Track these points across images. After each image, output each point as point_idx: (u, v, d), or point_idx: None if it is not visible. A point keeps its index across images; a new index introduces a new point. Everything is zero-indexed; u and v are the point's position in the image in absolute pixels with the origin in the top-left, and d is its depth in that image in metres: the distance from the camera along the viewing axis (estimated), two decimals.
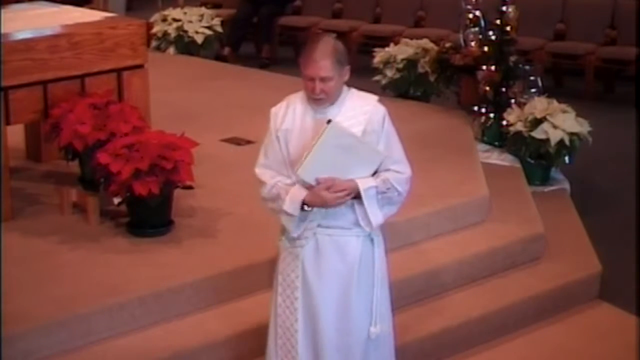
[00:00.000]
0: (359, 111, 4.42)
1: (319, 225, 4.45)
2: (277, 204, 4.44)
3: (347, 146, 4.33)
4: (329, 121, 4.30)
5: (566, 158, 7.43)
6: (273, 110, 4.52)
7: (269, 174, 4.48)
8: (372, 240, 4.51)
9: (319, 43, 4.37)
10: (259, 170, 4.51)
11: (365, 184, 4.38)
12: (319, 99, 4.36)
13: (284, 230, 4.55)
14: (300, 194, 4.38)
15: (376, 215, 4.43)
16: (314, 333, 4.53)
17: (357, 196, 4.39)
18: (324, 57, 4.32)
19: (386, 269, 4.63)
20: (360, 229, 4.45)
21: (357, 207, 4.42)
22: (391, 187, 4.42)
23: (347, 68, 4.40)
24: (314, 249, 4.48)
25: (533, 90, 7.85)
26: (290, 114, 4.47)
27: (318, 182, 4.35)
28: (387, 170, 4.43)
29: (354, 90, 4.49)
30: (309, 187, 4.37)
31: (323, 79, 4.32)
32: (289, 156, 4.44)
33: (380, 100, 4.51)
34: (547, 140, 7.28)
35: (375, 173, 4.44)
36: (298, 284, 4.51)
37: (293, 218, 4.41)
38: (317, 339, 4.52)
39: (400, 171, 4.46)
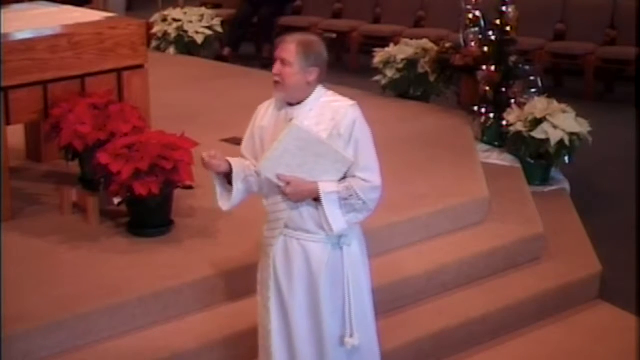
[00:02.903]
0: (328, 115, 4.37)
1: (286, 226, 4.43)
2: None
3: (311, 148, 4.30)
4: (292, 120, 4.34)
5: (566, 158, 7.43)
6: (259, 106, 4.58)
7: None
8: (341, 248, 4.43)
9: (299, 33, 4.45)
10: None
11: (326, 188, 4.33)
12: (275, 81, 4.38)
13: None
14: (241, 161, 4.51)
15: (337, 220, 4.35)
16: (289, 335, 4.50)
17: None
18: (292, 41, 4.36)
19: (366, 278, 4.55)
20: (327, 235, 4.40)
21: (320, 210, 4.37)
22: (354, 195, 4.33)
23: (315, 70, 4.36)
24: (283, 249, 4.46)
25: (533, 90, 7.85)
26: (270, 112, 4.51)
27: (279, 178, 4.34)
28: (353, 177, 4.36)
29: (330, 93, 4.46)
30: (275, 186, 4.39)
31: (283, 61, 4.34)
32: (263, 154, 4.46)
33: (355, 105, 4.43)
34: (547, 140, 7.28)
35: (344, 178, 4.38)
36: (270, 284, 4.50)
37: (216, 181, 4.53)
38: (292, 341, 4.50)
39: (366, 179, 4.35)
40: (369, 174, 4.37)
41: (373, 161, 4.41)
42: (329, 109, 4.38)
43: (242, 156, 4.60)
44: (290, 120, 4.34)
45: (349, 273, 4.44)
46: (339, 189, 4.34)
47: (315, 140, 4.31)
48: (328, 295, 4.43)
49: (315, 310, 4.45)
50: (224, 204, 4.57)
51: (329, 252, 4.42)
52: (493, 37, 7.94)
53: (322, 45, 4.43)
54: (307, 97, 4.40)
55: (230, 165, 4.51)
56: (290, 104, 4.43)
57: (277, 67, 4.37)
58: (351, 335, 4.46)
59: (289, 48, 4.34)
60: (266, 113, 4.52)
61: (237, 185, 4.51)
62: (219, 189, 4.57)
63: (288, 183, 4.33)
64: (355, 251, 4.48)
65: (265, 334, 4.56)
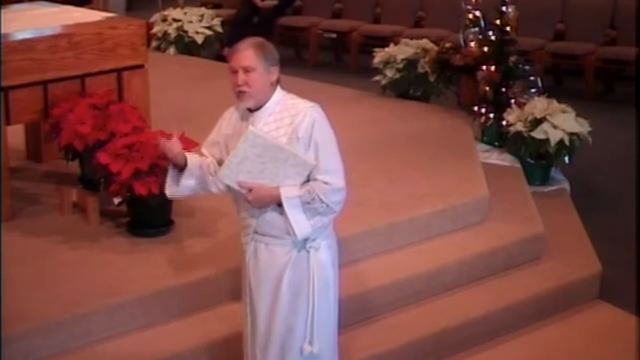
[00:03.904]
0: (287, 119, 4.32)
1: (255, 232, 4.42)
2: None
3: (270, 153, 4.25)
4: (248, 126, 4.28)
5: (566, 158, 7.43)
6: (225, 112, 4.52)
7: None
8: (307, 251, 4.39)
9: (246, 39, 4.37)
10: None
11: (287, 193, 4.28)
12: (242, 91, 4.30)
13: None
14: (200, 159, 4.50)
15: (301, 225, 4.30)
16: (256, 340, 4.51)
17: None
18: (247, 47, 4.30)
19: (334, 286, 4.49)
20: (293, 239, 4.36)
21: (285, 215, 4.33)
22: (316, 198, 4.28)
23: (275, 69, 4.33)
24: (253, 255, 4.46)
25: (533, 90, 7.85)
26: (234, 119, 4.46)
27: (240, 185, 4.30)
28: (315, 180, 4.30)
29: (290, 96, 4.40)
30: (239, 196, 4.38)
31: (245, 69, 4.27)
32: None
33: (314, 107, 4.35)
34: (547, 140, 7.28)
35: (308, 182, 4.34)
36: (247, 288, 4.53)
37: (170, 170, 4.52)
38: (258, 346, 4.50)
39: (328, 182, 4.28)
40: (331, 177, 4.30)
41: (335, 163, 4.34)
42: (288, 112, 4.33)
43: (201, 154, 4.57)
44: (247, 126, 4.28)
45: (314, 277, 4.39)
46: (301, 193, 4.28)
47: (272, 145, 4.26)
48: (289, 298, 4.40)
49: (270, 316, 4.44)
50: (170, 192, 4.58)
51: (293, 255, 4.38)
52: (493, 37, 7.94)
53: (272, 45, 4.42)
54: (267, 101, 4.35)
55: (185, 160, 4.49)
56: (251, 110, 4.38)
57: (240, 77, 4.28)
58: (310, 342, 4.41)
59: (247, 54, 4.28)
60: (230, 120, 4.48)
61: (187, 181, 4.50)
62: (169, 179, 4.55)
63: (250, 190, 4.30)
64: (323, 256, 4.42)
65: (244, 338, 4.59)
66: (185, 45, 10.34)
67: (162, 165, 5.62)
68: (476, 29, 8.14)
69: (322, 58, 11.85)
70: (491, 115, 7.84)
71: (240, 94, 4.32)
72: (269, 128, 4.31)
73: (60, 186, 6.28)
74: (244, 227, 4.50)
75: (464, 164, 7.08)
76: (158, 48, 10.40)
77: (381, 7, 11.79)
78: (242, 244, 4.53)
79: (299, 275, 4.40)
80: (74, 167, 6.33)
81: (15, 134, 6.53)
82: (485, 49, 7.97)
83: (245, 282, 4.57)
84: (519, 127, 7.41)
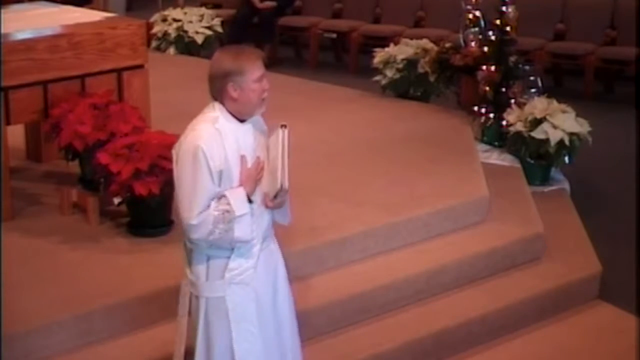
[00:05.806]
0: (258, 122, 4.43)
1: (263, 240, 4.32)
2: (227, 220, 4.17)
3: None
4: (283, 125, 4.25)
5: (566, 158, 7.43)
6: (204, 148, 4.18)
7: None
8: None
9: (247, 48, 4.46)
10: (197, 221, 4.18)
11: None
12: (264, 98, 4.33)
13: (222, 269, 4.31)
14: (239, 190, 4.20)
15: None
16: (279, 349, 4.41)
17: None
18: (259, 54, 4.39)
19: None
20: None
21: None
22: None
23: None
24: (264, 266, 4.33)
25: (533, 90, 7.86)
26: (230, 141, 4.26)
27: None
28: None
29: None
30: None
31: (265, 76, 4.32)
32: (236, 184, 4.24)
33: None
34: (547, 140, 7.28)
35: None
36: (253, 309, 4.31)
37: (246, 218, 4.18)
38: (285, 348, 4.45)
39: None
40: None
41: None
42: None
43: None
44: (283, 126, 4.26)
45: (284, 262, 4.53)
46: None
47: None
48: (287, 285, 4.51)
49: (290, 307, 4.50)
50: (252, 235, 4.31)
51: (275, 247, 4.47)
52: (493, 37, 7.95)
53: None
54: None
55: None
56: (242, 121, 4.32)
57: (266, 83, 4.32)
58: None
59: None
60: (222, 147, 4.21)
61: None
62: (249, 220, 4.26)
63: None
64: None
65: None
66: (185, 45, 10.34)
67: (162, 165, 5.63)
68: (476, 29, 8.14)
69: (322, 58, 11.85)
70: (491, 115, 7.84)
71: (263, 101, 4.33)
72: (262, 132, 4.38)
73: (60, 186, 6.28)
74: (250, 245, 4.28)
75: (463, 164, 7.08)
76: (158, 48, 10.40)
77: (381, 7, 11.80)
78: (243, 269, 4.28)
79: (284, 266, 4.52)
80: (74, 167, 6.32)
81: (15, 134, 6.53)
82: (485, 49, 7.97)
83: (249, 311, 4.30)
84: (519, 127, 7.41)
